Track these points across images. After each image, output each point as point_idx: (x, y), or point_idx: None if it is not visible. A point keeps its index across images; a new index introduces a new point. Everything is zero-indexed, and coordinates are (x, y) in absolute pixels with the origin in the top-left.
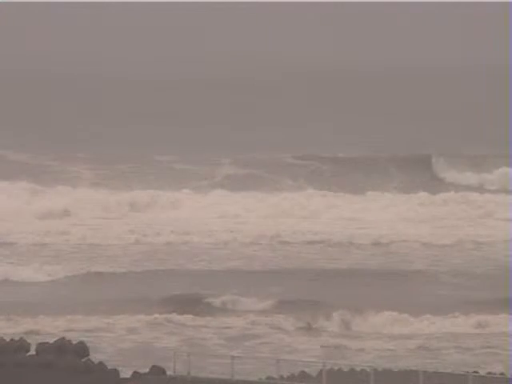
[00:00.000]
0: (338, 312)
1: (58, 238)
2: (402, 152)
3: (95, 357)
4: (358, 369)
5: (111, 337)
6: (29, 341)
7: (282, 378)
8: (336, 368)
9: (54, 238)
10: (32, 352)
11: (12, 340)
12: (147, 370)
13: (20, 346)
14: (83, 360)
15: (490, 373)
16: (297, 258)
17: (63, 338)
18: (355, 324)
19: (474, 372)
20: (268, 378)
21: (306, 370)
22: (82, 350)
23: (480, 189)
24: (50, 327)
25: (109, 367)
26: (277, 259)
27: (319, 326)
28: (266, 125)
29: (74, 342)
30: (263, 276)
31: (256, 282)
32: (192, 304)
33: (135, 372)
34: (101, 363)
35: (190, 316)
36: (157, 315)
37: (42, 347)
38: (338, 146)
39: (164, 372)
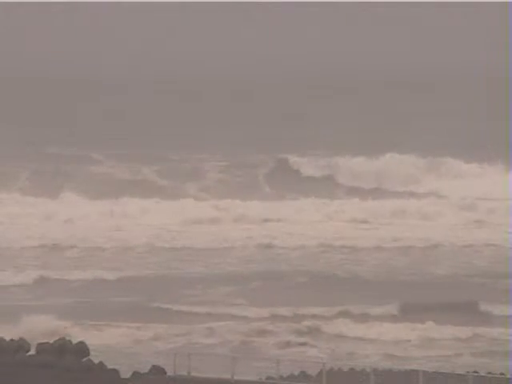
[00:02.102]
0: None
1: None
2: None
3: None
4: (358, 369)
5: None
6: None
7: (281, 377)
8: (336, 368)
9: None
10: (32, 352)
11: (12, 340)
12: (147, 371)
13: (20, 346)
14: (83, 360)
15: (489, 373)
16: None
17: (63, 338)
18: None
19: (474, 372)
20: (268, 378)
21: (306, 370)
22: (82, 350)
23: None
24: None
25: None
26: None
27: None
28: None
29: (74, 342)
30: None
31: None
32: None
33: (135, 372)
34: (101, 363)
35: None
36: None
37: (42, 347)
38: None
39: (164, 372)
